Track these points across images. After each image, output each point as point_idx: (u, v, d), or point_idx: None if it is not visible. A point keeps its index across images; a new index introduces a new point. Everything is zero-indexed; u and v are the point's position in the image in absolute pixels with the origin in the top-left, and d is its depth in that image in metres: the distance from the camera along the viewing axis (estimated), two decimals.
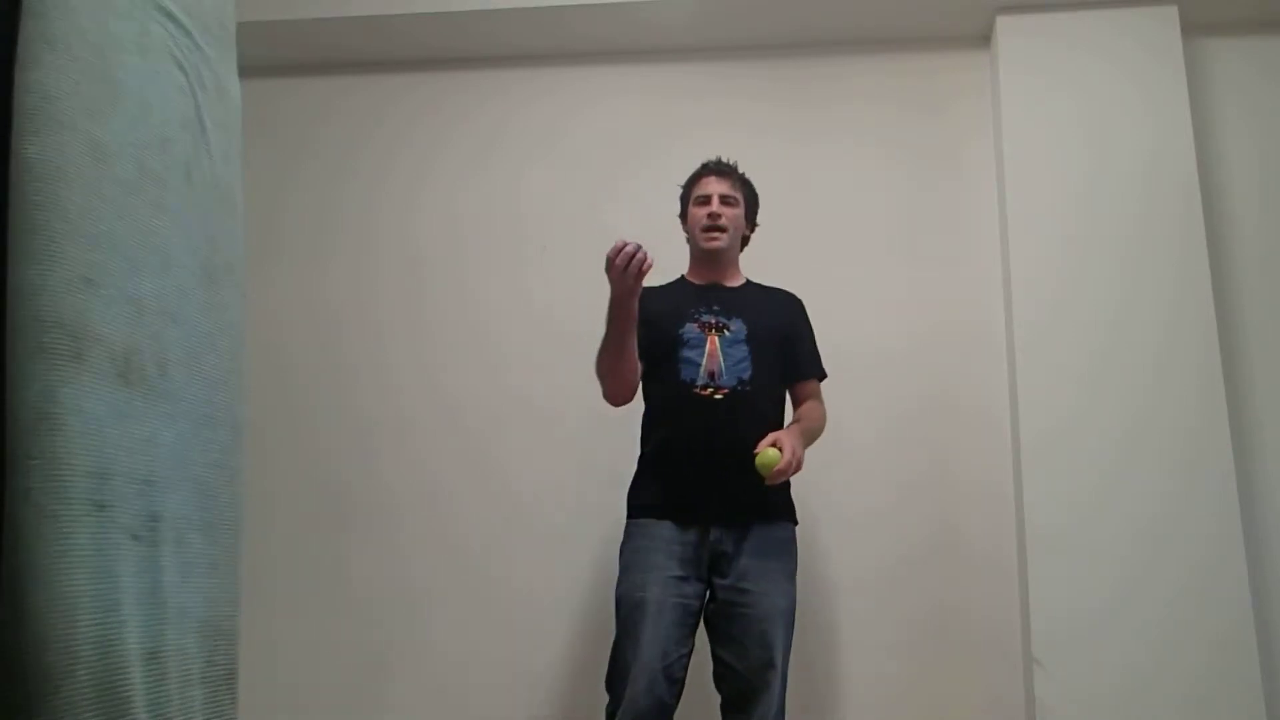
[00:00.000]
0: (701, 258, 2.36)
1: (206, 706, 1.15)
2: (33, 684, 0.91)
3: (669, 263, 2.36)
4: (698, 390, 2.17)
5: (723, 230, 2.30)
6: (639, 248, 1.99)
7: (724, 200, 2.32)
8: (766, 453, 2.04)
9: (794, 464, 2.05)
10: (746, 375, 2.19)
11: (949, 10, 2.89)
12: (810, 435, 2.26)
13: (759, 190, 2.43)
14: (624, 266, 1.98)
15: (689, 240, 2.39)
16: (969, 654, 2.63)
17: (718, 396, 2.15)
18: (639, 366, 2.23)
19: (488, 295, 2.98)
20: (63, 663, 0.92)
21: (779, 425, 2.23)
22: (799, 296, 2.41)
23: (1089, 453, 2.57)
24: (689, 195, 2.38)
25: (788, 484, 2.19)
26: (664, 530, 2.13)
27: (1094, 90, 2.79)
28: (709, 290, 2.32)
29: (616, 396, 2.24)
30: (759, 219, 2.43)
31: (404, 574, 2.82)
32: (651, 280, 2.11)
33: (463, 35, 3.04)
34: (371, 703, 2.76)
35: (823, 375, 2.38)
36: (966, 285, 2.85)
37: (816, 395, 2.36)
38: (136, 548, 1.03)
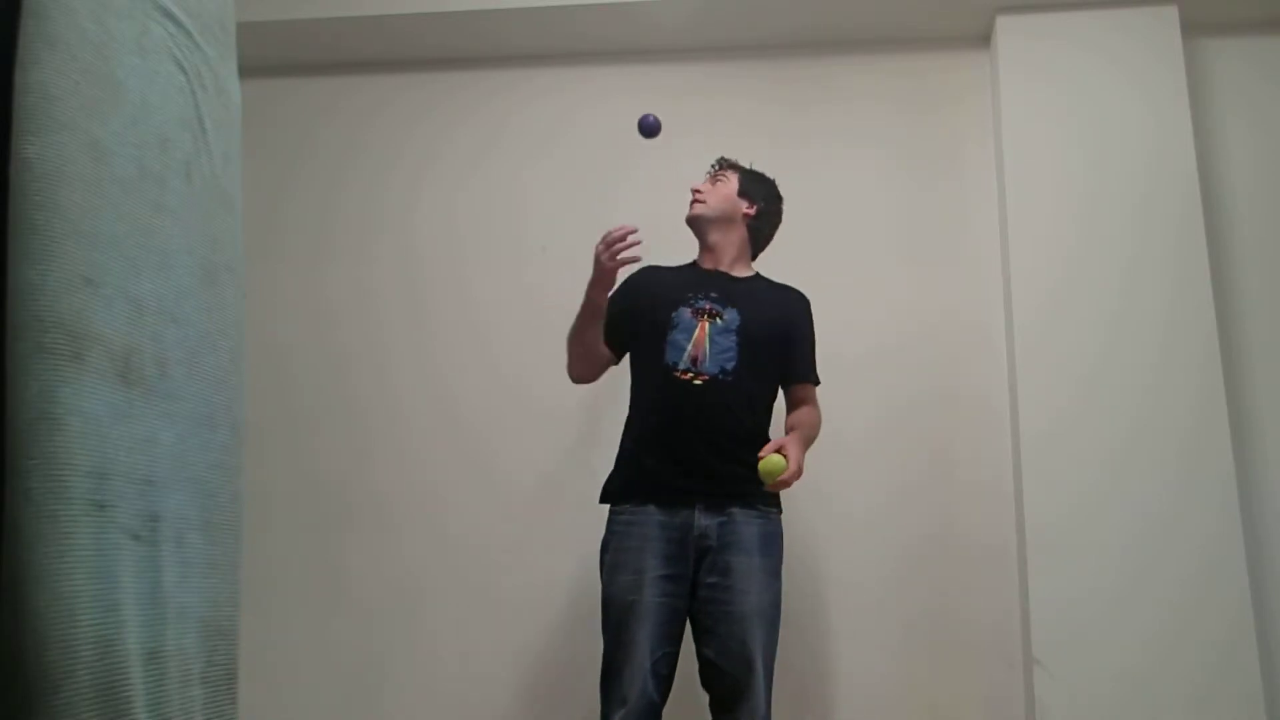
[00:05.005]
0: (697, 238, 2.38)
1: (206, 706, 1.15)
2: (33, 684, 0.91)
3: (668, 259, 2.37)
4: (678, 374, 2.17)
5: (699, 201, 2.35)
6: (628, 235, 2.12)
7: (714, 179, 2.38)
8: (771, 459, 2.04)
9: (797, 474, 2.05)
10: (730, 365, 2.17)
11: (949, 10, 2.89)
12: (807, 443, 2.24)
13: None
14: (606, 247, 2.12)
15: None
16: (969, 654, 2.63)
17: (697, 382, 2.15)
18: (605, 352, 2.31)
19: (487, 295, 2.98)
20: (63, 663, 0.92)
21: (760, 420, 2.23)
22: (808, 297, 2.39)
23: (1089, 453, 2.57)
24: None
25: None
26: (649, 520, 2.12)
27: (1094, 90, 2.79)
28: (712, 277, 2.31)
29: (573, 369, 2.35)
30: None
31: (402, 573, 2.82)
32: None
33: (463, 35, 3.04)
34: (370, 700, 2.76)
35: (815, 381, 2.35)
36: (966, 285, 2.85)
37: (811, 400, 2.33)
38: (136, 548, 1.03)
